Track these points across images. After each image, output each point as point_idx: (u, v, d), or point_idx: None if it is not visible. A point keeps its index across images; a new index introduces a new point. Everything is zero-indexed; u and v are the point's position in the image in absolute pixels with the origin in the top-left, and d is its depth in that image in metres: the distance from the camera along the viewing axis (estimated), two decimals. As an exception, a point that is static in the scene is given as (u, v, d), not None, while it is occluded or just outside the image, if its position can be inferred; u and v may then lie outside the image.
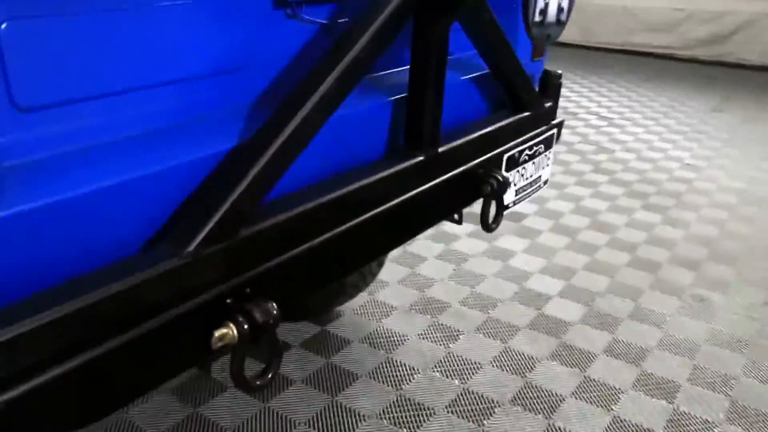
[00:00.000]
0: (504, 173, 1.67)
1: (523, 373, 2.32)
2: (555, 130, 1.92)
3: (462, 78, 1.68)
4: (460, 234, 3.35)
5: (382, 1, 1.21)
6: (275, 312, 1.01)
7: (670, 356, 2.44)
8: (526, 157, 1.78)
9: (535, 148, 1.81)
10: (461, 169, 1.55)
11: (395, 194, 1.39)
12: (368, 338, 2.48)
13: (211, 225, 0.96)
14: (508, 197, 1.76)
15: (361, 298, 2.73)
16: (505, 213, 1.74)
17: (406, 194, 1.41)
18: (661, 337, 2.55)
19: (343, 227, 1.25)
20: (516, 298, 2.79)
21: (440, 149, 1.48)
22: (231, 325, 0.99)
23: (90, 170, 0.90)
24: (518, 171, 1.77)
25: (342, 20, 1.33)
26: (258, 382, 1.06)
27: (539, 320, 2.63)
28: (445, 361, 2.37)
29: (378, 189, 1.33)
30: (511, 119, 1.72)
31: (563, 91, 6.47)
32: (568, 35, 7.85)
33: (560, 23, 1.61)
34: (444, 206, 1.62)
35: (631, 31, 8.43)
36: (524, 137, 1.76)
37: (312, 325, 2.57)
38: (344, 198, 1.23)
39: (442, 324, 2.58)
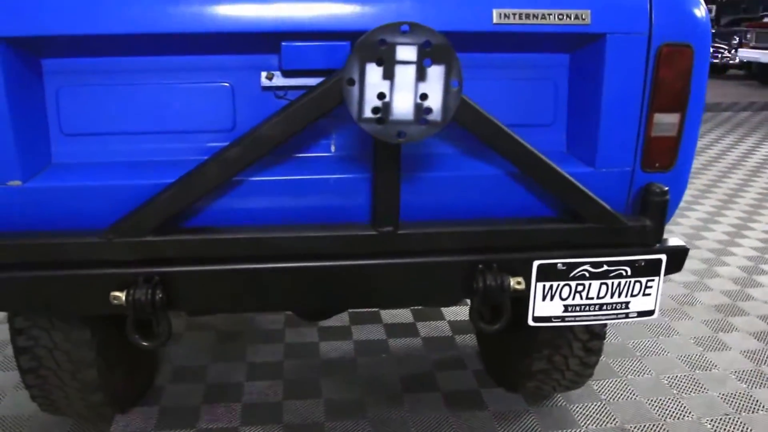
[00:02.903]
0: (516, 279, 1.60)
1: None
2: (660, 257, 1.65)
3: (502, 172, 1.64)
4: (782, 381, 2.71)
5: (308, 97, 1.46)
6: (153, 298, 1.51)
7: None
8: (585, 274, 1.64)
9: (606, 267, 1.64)
10: (438, 258, 1.59)
11: (324, 257, 1.56)
12: (554, 434, 2.43)
13: (121, 225, 1.52)
14: (548, 310, 1.65)
15: (585, 402, 2.63)
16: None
17: (339, 262, 1.56)
18: None
19: (254, 266, 1.55)
20: (763, 470, 2.20)
21: (401, 231, 1.57)
22: (125, 292, 1.52)
23: (90, 174, 1.57)
24: (568, 286, 1.65)
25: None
26: (137, 337, 1.57)
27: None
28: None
29: (300, 246, 1.55)
30: (538, 226, 1.63)
31: None
32: None
33: (429, 123, 1.34)
34: (409, 290, 1.64)
35: None
36: (577, 252, 1.62)
37: (521, 401, 2.64)
38: (256, 242, 1.54)
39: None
